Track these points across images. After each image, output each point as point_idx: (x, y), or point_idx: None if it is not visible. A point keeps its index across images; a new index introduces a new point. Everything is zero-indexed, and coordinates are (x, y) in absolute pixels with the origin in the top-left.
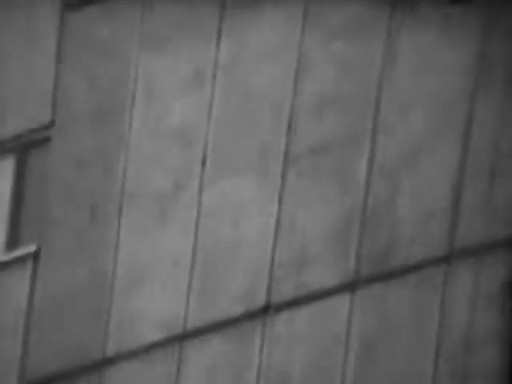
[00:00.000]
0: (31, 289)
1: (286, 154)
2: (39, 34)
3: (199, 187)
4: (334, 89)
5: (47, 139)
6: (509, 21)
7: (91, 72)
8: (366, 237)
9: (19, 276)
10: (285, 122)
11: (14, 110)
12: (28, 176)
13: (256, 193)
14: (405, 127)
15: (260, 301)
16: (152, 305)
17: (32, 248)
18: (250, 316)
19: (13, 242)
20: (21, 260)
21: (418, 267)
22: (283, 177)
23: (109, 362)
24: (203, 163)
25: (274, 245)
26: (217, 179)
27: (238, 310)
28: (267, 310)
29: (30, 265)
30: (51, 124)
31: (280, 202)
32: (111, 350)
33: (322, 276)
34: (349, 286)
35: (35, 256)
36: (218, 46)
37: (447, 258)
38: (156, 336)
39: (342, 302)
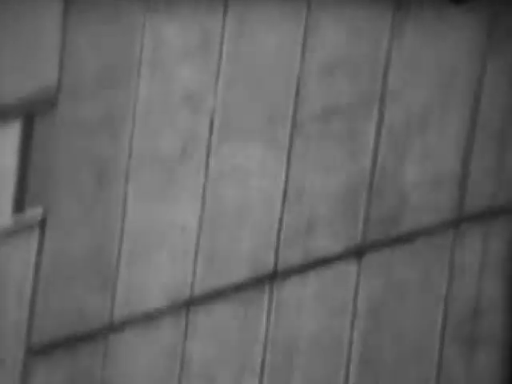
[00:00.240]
0: (38, 255)
1: (294, 119)
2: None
3: (206, 152)
4: (342, 53)
5: (53, 104)
6: None
7: (98, 37)
8: (374, 202)
9: (26, 243)
10: (293, 87)
11: (20, 75)
12: (34, 141)
13: (264, 157)
14: (414, 91)
15: (267, 266)
16: (159, 271)
17: (38, 214)
18: (258, 282)
19: (19, 208)
20: (27, 227)
21: (426, 232)
22: (291, 141)
23: (115, 328)
24: (211, 128)
25: (282, 210)
26: (224, 144)
27: (245, 275)
28: (274, 275)
29: (36, 231)
30: (57, 89)
31: (288, 166)
32: (117, 316)
33: (329, 242)
34: (356, 252)
35: (41, 223)
36: (225, 12)
37: (456, 223)
38: (163, 302)
39: (350, 267)
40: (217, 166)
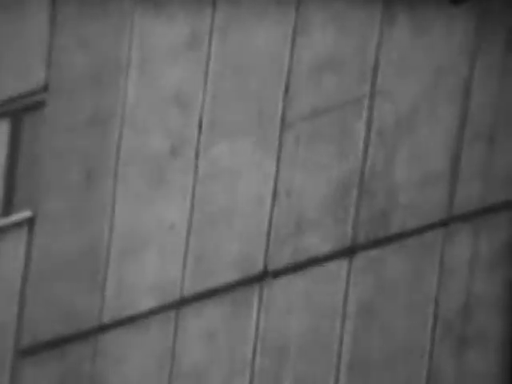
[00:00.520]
0: (27, 255)
1: (284, 118)
2: None
3: (196, 151)
4: (331, 52)
5: (41, 103)
6: None
7: (86, 36)
8: (364, 202)
9: (14, 242)
10: (282, 86)
11: (8, 74)
12: (22, 140)
13: (253, 157)
14: (403, 90)
15: (257, 266)
16: (148, 270)
17: (27, 213)
18: (247, 282)
19: (8, 207)
20: (16, 226)
21: (416, 232)
22: (280, 141)
23: (104, 328)
24: (200, 127)
25: (272, 210)
26: (213, 143)
27: (235, 275)
28: (264, 275)
29: (25, 230)
30: (45, 88)
31: (277, 166)
32: (107, 316)
33: (319, 241)
34: (346, 252)
35: (30, 222)
36: (214, 9)
37: (445, 223)
38: (152, 302)
39: (340, 267)
40: (206, 166)
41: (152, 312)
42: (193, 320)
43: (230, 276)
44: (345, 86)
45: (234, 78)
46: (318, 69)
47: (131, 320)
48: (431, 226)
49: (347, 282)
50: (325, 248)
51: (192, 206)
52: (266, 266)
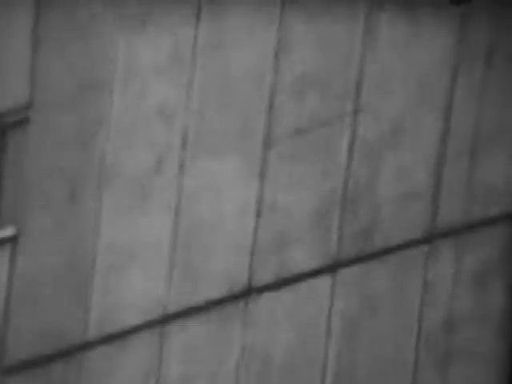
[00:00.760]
0: (10, 272)
1: (267, 135)
2: (15, 14)
3: (180, 167)
4: (314, 69)
5: (26, 120)
6: None
7: (70, 51)
8: (348, 218)
9: None
10: (266, 103)
11: None
12: (6, 157)
13: (237, 174)
14: (386, 108)
15: (241, 283)
16: (133, 287)
17: (11, 231)
18: (232, 298)
19: None
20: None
21: (399, 248)
22: (264, 157)
23: (89, 346)
24: (184, 143)
25: (256, 226)
26: (197, 159)
27: (219, 292)
28: (249, 292)
29: (8, 248)
30: (29, 105)
31: (261, 183)
32: (91, 333)
33: (303, 257)
34: (330, 268)
35: (14, 239)
36: (197, 25)
37: (429, 239)
38: (137, 319)
39: (324, 283)
40: (190, 181)
41: (137, 329)
42: (177, 336)
43: (214, 292)
44: (328, 103)
45: (217, 94)
46: (301, 86)
47: (116, 337)
48: (414, 242)
49: (331, 298)
50: (309, 264)
51: (176, 221)
52: (250, 283)
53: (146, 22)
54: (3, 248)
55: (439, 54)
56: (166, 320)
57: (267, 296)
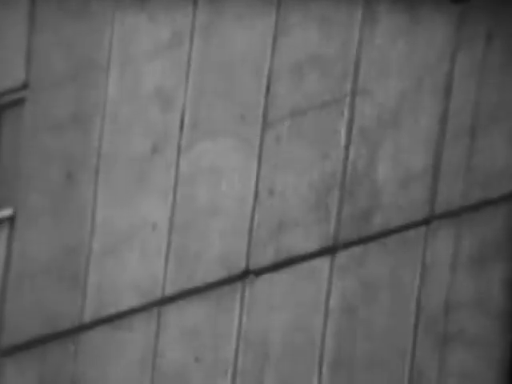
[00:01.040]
0: (7, 254)
1: (265, 118)
2: None
3: (177, 151)
4: (312, 51)
5: (21, 101)
6: None
7: (66, 33)
8: (346, 200)
9: None
10: (263, 85)
11: None
12: (2, 139)
13: (235, 156)
14: (385, 90)
15: (239, 265)
16: (130, 269)
17: (8, 212)
18: (230, 281)
19: None
20: None
21: (398, 230)
22: (262, 140)
23: (86, 327)
24: (181, 126)
25: (253, 209)
26: (195, 142)
27: (217, 274)
28: (246, 274)
29: (5, 229)
30: (25, 85)
31: (259, 165)
32: (88, 315)
33: (301, 240)
34: (329, 250)
35: (11, 220)
36: (195, 8)
37: (427, 222)
38: (134, 302)
39: (322, 266)
40: (187, 165)
41: (134, 311)
42: (175, 318)
43: (212, 275)
44: (326, 85)
45: (215, 77)
46: (299, 68)
47: (113, 319)
48: (413, 224)
49: (329, 280)
50: (307, 246)
51: (174, 204)
52: (248, 265)
53: (144, 5)
54: (0, 229)
55: (438, 37)
56: (163, 302)
57: (265, 278)
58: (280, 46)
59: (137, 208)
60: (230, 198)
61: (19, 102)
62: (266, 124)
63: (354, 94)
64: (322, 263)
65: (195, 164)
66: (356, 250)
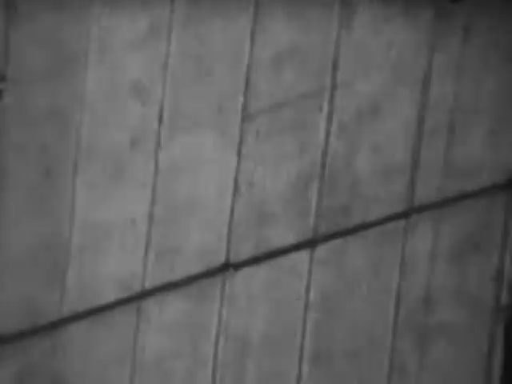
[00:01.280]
0: None
1: (244, 111)
2: None
3: (156, 144)
4: (291, 44)
5: None
6: None
7: (43, 24)
8: (326, 193)
9: None
10: (242, 78)
11: None
12: None
13: (214, 150)
14: (363, 83)
15: (219, 259)
16: (109, 264)
17: None
18: (209, 274)
19: None
20: None
21: (377, 223)
22: (241, 134)
23: (65, 322)
24: (160, 119)
25: (233, 203)
26: (174, 136)
27: (196, 268)
28: (226, 268)
29: None
30: (2, 78)
31: (238, 159)
32: (67, 310)
33: (281, 233)
34: (308, 243)
35: None
36: (173, 0)
37: (406, 214)
38: (113, 295)
39: (302, 259)
40: (166, 158)
41: (113, 304)
42: (155, 313)
43: (191, 268)
44: (305, 78)
45: (193, 70)
46: (278, 61)
47: (92, 313)
48: (393, 217)
49: (309, 274)
50: (286, 240)
51: (153, 198)
52: (227, 259)
53: None
54: None
55: (416, 31)
56: (142, 296)
57: (245, 271)
58: (259, 39)
59: (116, 202)
60: (209, 191)
61: None
62: (245, 117)
63: (333, 87)
64: (302, 256)
65: (174, 158)
66: (336, 242)
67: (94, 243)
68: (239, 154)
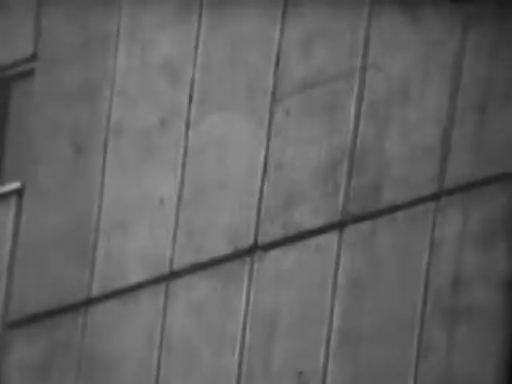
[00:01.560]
0: (15, 227)
1: (274, 92)
2: None
3: (186, 123)
4: (322, 25)
5: (30, 72)
6: None
7: (74, 5)
8: (355, 175)
9: (3, 213)
10: (272, 59)
11: None
12: (11, 111)
13: (244, 130)
14: (394, 64)
15: (247, 240)
16: (138, 244)
17: (16, 185)
18: (238, 255)
19: None
20: (4, 197)
21: (406, 206)
22: (271, 114)
23: (93, 301)
24: (190, 99)
25: (262, 183)
26: (204, 116)
27: (225, 249)
28: (255, 249)
29: (13, 202)
30: (34, 57)
31: (268, 139)
32: (96, 289)
33: (310, 215)
34: (337, 225)
35: (19, 193)
36: None
37: (436, 197)
38: (142, 275)
39: (330, 241)
40: (196, 138)
41: (141, 285)
42: (182, 293)
43: (220, 249)
44: (335, 59)
45: (224, 50)
46: (309, 42)
47: (120, 293)
48: (422, 200)
49: (337, 256)
50: (315, 221)
51: (182, 179)
52: (256, 240)
53: None
54: (9, 202)
55: (448, 12)
56: (171, 277)
57: (273, 253)
58: (289, 20)
59: (145, 181)
60: (238, 171)
61: (28, 74)
62: (275, 98)
63: (363, 68)
64: (330, 239)
65: (203, 138)
66: (364, 225)
67: (123, 223)
68: (268, 134)
